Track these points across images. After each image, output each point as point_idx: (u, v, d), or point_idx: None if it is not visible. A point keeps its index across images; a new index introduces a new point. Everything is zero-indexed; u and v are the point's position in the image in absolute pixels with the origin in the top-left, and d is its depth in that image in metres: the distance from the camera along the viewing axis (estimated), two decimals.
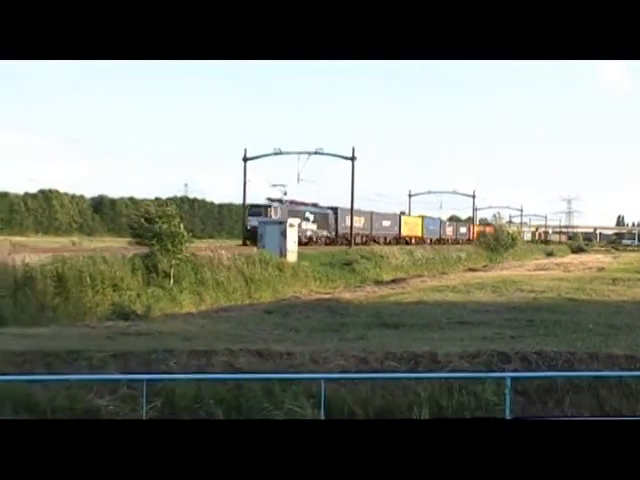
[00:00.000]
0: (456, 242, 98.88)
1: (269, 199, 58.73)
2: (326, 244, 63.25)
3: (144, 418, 10.36)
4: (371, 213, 76.43)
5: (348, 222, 67.69)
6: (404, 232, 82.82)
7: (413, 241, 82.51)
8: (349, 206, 67.64)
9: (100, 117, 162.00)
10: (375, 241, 73.00)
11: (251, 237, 53.18)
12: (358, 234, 70.43)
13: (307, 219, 61.61)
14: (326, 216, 67.67)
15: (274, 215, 54.17)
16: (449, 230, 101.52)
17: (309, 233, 61.59)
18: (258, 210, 55.98)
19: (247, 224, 57.55)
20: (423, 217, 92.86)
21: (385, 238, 78.08)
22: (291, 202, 61.59)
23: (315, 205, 67.63)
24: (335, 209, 69.66)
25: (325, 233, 66.41)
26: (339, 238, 67.56)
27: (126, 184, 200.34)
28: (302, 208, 62.31)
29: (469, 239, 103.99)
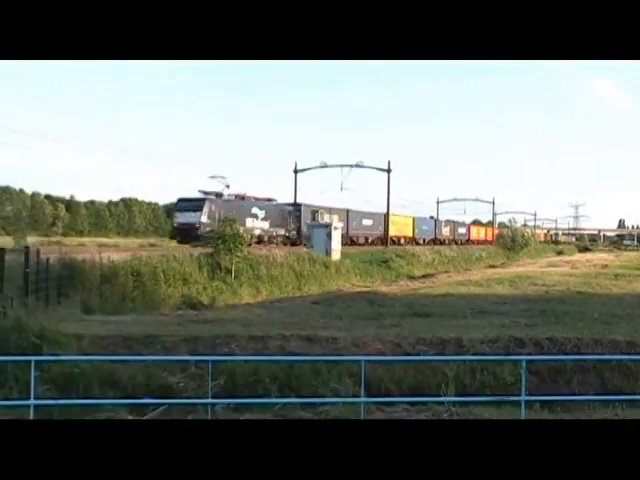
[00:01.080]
0: (454, 242, 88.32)
1: (203, 192, 45.41)
2: (284, 244, 50.51)
3: (148, 418, 9.20)
4: (347, 211, 63.27)
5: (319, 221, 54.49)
6: (392, 232, 69.89)
7: (402, 241, 72.73)
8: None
9: (171, 133, 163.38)
10: (353, 241, 61.91)
11: (180, 235, 42.86)
12: None
13: (254, 216, 48.81)
14: (283, 213, 54.03)
15: (207, 210, 42.28)
16: (445, 230, 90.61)
17: (258, 232, 48.44)
18: (188, 205, 43.27)
19: (174, 220, 45.46)
20: (414, 217, 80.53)
21: (366, 238, 66.93)
22: (237, 196, 49.15)
23: (270, 201, 54.31)
24: (298, 205, 57.13)
25: (282, 232, 52.64)
26: (304, 238, 52.54)
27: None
28: (247, 203, 49.20)
29: (468, 239, 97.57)
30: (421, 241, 78.39)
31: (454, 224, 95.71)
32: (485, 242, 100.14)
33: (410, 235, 76.70)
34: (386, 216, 68.76)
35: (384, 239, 67.25)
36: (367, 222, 67.86)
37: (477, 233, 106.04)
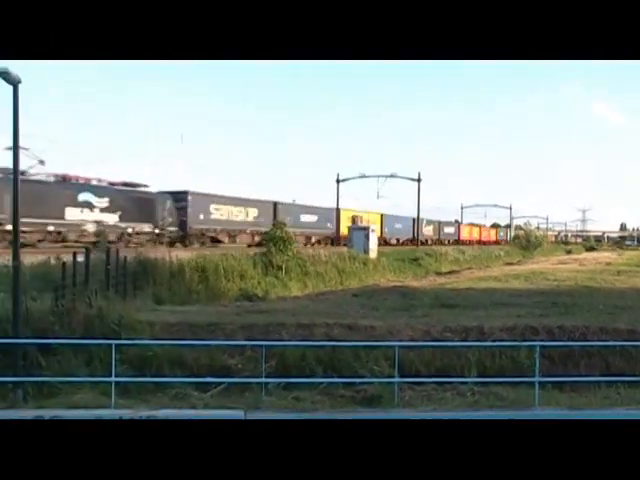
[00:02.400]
0: (440, 243, 75.82)
1: None
2: (155, 243, 34.84)
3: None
4: (274, 203, 46.51)
5: (215, 214, 40.66)
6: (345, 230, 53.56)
7: None
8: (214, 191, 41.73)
9: (229, 150, 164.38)
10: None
11: None
12: (257, 232, 42.41)
13: (84, 205, 31.61)
14: (148, 203, 36.06)
15: None
16: (427, 230, 76.23)
17: (91, 228, 31.53)
18: None
19: None
20: (383, 214, 65.48)
21: (309, 238, 51.25)
22: (57, 176, 31.85)
23: (131, 185, 36.47)
24: (183, 194, 38.50)
25: (147, 229, 35.48)
26: (193, 237, 38.94)
27: None
28: (66, 186, 31.56)
29: (458, 240, 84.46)
30: (393, 241, 66.29)
31: (439, 223, 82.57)
32: (479, 242, 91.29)
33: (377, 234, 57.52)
34: (337, 212, 56.51)
35: (335, 239, 53.86)
36: (310, 218, 51.73)
37: (469, 233, 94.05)
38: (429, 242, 73.68)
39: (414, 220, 70.75)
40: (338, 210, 57.50)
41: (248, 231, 43.94)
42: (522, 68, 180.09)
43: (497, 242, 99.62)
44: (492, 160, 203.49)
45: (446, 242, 79.17)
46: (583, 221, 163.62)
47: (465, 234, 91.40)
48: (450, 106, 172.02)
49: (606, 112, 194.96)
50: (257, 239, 41.98)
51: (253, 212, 44.60)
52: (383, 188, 68.49)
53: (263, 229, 39.40)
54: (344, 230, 53.12)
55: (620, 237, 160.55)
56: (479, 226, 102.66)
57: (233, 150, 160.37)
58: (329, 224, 54.84)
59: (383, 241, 58.84)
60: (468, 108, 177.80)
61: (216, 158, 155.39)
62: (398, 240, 68.11)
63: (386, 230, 64.65)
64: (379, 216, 64.57)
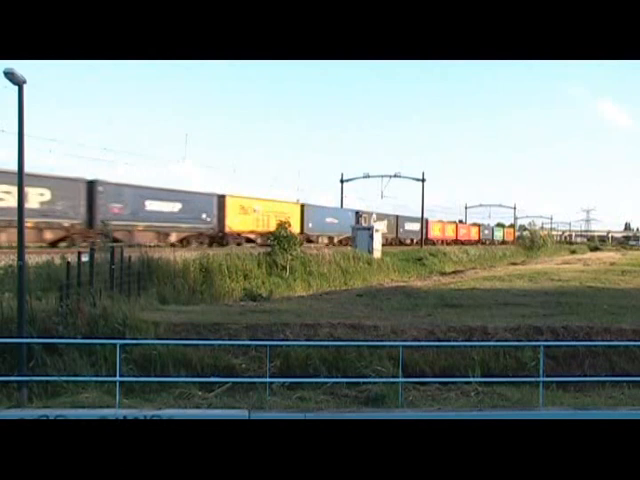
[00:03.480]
0: (400, 242, 64.10)
1: None
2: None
3: (147, 417, 7.75)
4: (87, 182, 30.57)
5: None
6: (242, 225, 40.45)
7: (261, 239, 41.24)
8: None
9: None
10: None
11: None
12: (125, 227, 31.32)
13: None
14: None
15: None
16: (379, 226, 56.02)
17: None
18: None
19: None
20: (304, 204, 49.94)
21: (166, 235, 35.23)
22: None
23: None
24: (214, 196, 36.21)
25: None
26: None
27: None
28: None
29: (427, 238, 69.20)
30: (325, 240, 51.57)
31: (397, 219, 66.56)
32: (456, 242, 79.36)
33: (297, 231, 41.49)
34: (221, 199, 39.56)
35: (220, 234, 39.43)
36: (162, 207, 34.86)
37: (440, 231, 79.40)
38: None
39: (357, 213, 57.17)
40: (222, 197, 39.76)
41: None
42: (526, 68, 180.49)
43: (480, 242, 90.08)
44: (497, 160, 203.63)
45: (407, 242, 67.32)
46: (587, 221, 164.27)
47: (436, 232, 77.39)
48: (456, 107, 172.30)
49: (611, 112, 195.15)
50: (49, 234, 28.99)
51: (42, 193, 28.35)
52: (389, 189, 67.28)
53: (127, 222, 31.22)
54: (233, 225, 39.59)
55: (624, 237, 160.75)
56: (455, 223, 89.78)
57: (236, 149, 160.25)
58: (204, 215, 37.86)
59: (306, 240, 45.19)
60: (474, 109, 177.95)
61: (224, 159, 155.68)
62: (332, 239, 53.33)
63: (310, 225, 49.08)
64: (297, 207, 48.78)
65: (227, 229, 39.49)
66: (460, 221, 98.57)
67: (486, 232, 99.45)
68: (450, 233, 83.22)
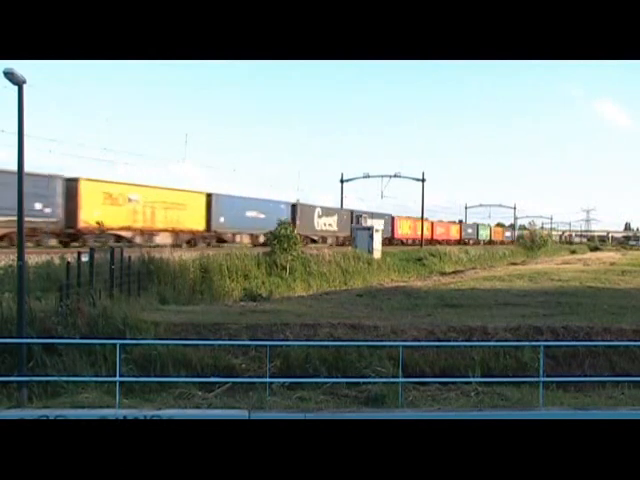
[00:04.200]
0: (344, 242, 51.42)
1: None
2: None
3: (147, 418, 7.73)
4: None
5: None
6: (110, 219, 30.81)
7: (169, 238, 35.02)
8: None
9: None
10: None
11: None
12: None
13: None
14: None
15: None
16: (324, 223, 51.14)
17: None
18: None
19: None
20: (214, 194, 39.90)
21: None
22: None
23: None
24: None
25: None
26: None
27: None
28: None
29: (392, 238, 61.75)
30: (245, 239, 42.83)
31: (351, 213, 55.79)
32: (431, 242, 69.14)
33: (201, 228, 38.22)
34: (73, 183, 29.25)
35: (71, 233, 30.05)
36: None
37: (410, 229, 68.96)
38: (328, 241, 50.60)
39: (294, 206, 48.14)
40: (72, 181, 29.77)
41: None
42: (526, 69, 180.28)
43: (461, 242, 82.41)
44: (497, 161, 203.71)
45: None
46: (587, 221, 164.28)
47: (404, 230, 67.87)
48: (456, 110, 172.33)
49: (611, 112, 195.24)
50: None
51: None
52: (389, 189, 66.58)
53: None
54: (92, 219, 30.16)
55: (624, 237, 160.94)
56: (430, 221, 76.89)
57: (236, 149, 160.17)
58: (38, 205, 27.62)
59: (217, 239, 40.23)
60: (474, 111, 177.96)
61: (225, 159, 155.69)
62: (255, 237, 43.53)
63: (221, 220, 40.30)
64: (202, 196, 39.12)
65: (82, 224, 29.82)
66: (445, 220, 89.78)
67: (469, 231, 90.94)
68: (425, 232, 69.36)
